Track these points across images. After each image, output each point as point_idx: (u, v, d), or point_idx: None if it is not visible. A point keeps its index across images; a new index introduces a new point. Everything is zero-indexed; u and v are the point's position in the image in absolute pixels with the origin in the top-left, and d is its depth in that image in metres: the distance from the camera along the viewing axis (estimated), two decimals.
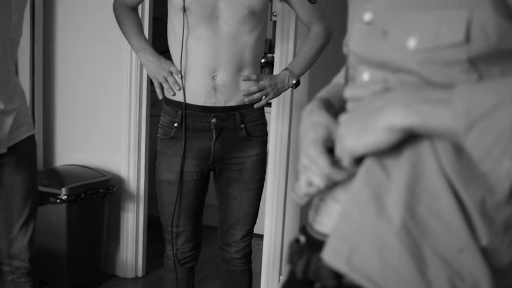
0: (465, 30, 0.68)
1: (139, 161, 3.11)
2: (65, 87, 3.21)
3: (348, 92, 0.87)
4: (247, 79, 2.00)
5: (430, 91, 0.69)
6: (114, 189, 3.01)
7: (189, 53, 1.97)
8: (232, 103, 2.01)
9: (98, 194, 2.90)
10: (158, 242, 2.72)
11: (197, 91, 1.98)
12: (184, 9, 1.92)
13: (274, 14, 3.98)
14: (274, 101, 2.77)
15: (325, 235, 0.83)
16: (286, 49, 2.76)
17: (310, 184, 0.87)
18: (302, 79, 2.18)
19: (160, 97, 2.08)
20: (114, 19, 2.14)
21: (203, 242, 2.23)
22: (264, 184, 2.19)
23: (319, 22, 2.08)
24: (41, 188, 2.44)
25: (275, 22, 3.86)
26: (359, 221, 0.75)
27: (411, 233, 0.72)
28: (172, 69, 2.00)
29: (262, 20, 2.01)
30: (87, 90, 3.15)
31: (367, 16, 0.80)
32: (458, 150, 0.70)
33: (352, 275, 0.75)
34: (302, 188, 0.88)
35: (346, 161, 0.78)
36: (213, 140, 2.02)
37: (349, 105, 0.88)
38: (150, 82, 2.92)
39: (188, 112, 2.00)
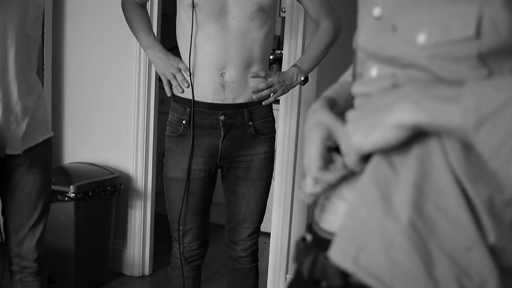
0: (476, 25, 0.67)
1: (146, 159, 3.11)
2: (73, 85, 3.21)
3: (356, 89, 0.86)
4: (256, 76, 1.99)
5: (439, 88, 0.69)
6: (121, 187, 3.01)
7: (198, 50, 1.96)
8: (240, 100, 2.00)
9: (106, 192, 2.90)
10: (165, 240, 2.73)
11: (205, 88, 1.98)
12: (193, 5, 1.91)
13: (283, 10, 3.97)
14: (282, 98, 2.77)
15: (332, 234, 0.82)
16: (295, 46, 2.75)
17: (316, 182, 0.87)
18: (310, 75, 2.17)
19: (169, 94, 2.07)
20: (122, 16, 2.14)
21: (210, 240, 2.23)
22: (272, 181, 2.19)
23: (327, 18, 2.07)
24: None
25: (283, 18, 3.85)
26: (366, 219, 0.75)
27: (418, 231, 0.71)
28: (180, 66, 1.99)
29: (271, 16, 2.00)
30: (95, 88, 3.15)
31: (377, 11, 0.79)
32: (467, 147, 0.70)
33: (359, 274, 0.74)
34: (308, 187, 0.88)
35: (352, 158, 0.77)
36: (221, 138, 2.01)
37: (357, 102, 0.87)
38: (159, 79, 2.93)
39: (196, 110, 1.99)
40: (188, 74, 1.98)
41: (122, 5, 2.14)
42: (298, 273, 0.91)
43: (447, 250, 0.70)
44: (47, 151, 2.01)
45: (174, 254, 2.16)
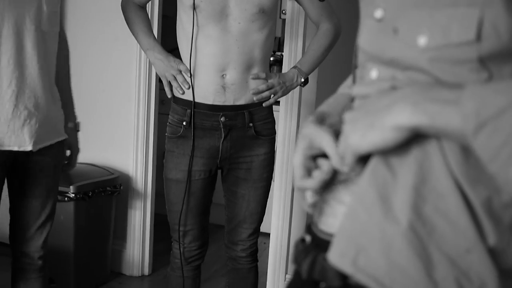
0: (476, 28, 0.67)
1: (146, 160, 3.11)
2: (73, 85, 3.19)
3: (355, 90, 0.86)
4: (256, 77, 2.00)
5: (439, 90, 0.69)
6: (121, 187, 3.01)
7: (198, 51, 1.96)
8: (241, 101, 2.00)
9: (106, 192, 2.90)
10: (164, 240, 2.73)
11: (206, 90, 1.98)
12: (194, 7, 1.91)
13: (284, 12, 3.98)
14: (282, 100, 2.77)
15: (331, 235, 0.82)
16: (295, 47, 2.75)
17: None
18: (310, 77, 2.17)
19: (169, 96, 2.07)
20: (122, 17, 2.14)
21: (210, 240, 2.23)
22: (272, 182, 2.19)
23: (328, 20, 2.07)
24: None
25: (284, 20, 3.86)
26: (365, 222, 0.75)
27: (418, 233, 0.71)
28: (181, 67, 1.99)
29: (272, 18, 2.01)
30: (96, 89, 3.16)
31: (378, 13, 0.79)
32: (466, 150, 0.70)
33: (358, 276, 0.74)
34: (308, 198, 0.91)
35: (349, 159, 0.77)
36: (222, 139, 2.01)
37: (356, 103, 0.87)
38: (159, 80, 2.93)
39: (196, 111, 1.99)
40: (189, 75, 1.99)
41: (122, 6, 2.14)
42: (297, 274, 0.91)
43: (446, 252, 0.70)
44: (58, 154, 2.01)
45: (174, 255, 2.17)
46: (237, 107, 2.00)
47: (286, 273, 2.93)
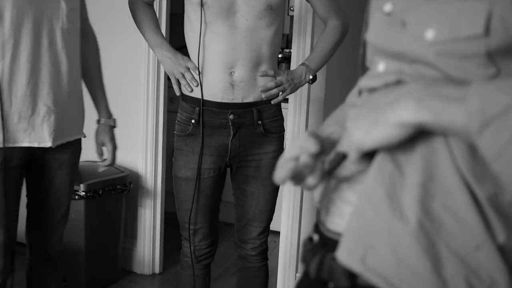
0: (485, 22, 0.67)
1: (156, 158, 3.11)
2: (82, 84, 3.21)
3: (362, 83, 0.86)
4: (265, 74, 1.99)
5: (444, 87, 0.68)
6: (131, 185, 3.02)
7: (206, 49, 1.96)
8: (249, 99, 1.99)
9: (116, 191, 2.91)
10: (175, 239, 2.73)
11: (214, 88, 1.97)
12: (202, 4, 1.91)
13: (291, 8, 3.96)
14: (291, 97, 2.76)
15: (338, 234, 0.82)
16: (303, 44, 2.74)
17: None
18: (319, 74, 2.16)
19: (178, 93, 2.07)
20: (130, 15, 2.14)
21: (219, 238, 2.22)
22: None
23: (335, 17, 2.06)
24: None
25: (292, 17, 3.84)
26: (373, 220, 0.74)
27: (426, 231, 0.70)
28: (189, 65, 1.99)
29: (280, 15, 2.00)
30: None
31: (387, 7, 0.79)
32: (472, 146, 0.69)
33: (367, 275, 0.74)
34: (315, 196, 0.93)
35: (353, 156, 0.77)
36: (231, 137, 2.01)
37: (362, 97, 0.87)
38: (167, 78, 2.93)
39: (205, 109, 1.99)
40: (197, 73, 1.98)
41: (129, 5, 2.14)
42: (306, 274, 0.91)
43: (455, 250, 0.70)
44: (76, 153, 2.02)
45: (184, 253, 2.17)
46: (245, 105, 1.99)
47: (296, 271, 2.92)
